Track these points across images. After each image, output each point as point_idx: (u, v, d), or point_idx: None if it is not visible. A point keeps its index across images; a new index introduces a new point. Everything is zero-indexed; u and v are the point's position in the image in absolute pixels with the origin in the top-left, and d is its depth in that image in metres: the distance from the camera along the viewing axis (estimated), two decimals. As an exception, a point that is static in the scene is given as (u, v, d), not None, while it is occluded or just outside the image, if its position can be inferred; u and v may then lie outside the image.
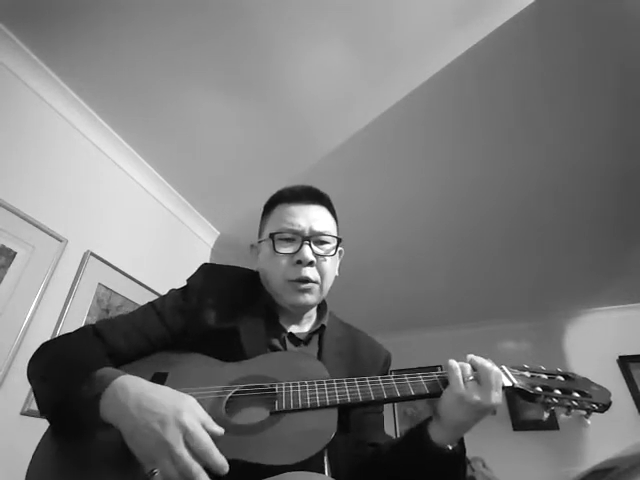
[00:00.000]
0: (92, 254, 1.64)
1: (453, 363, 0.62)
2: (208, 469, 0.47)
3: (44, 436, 0.59)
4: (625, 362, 3.14)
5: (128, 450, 0.50)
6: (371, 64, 1.53)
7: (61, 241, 1.52)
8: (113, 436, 0.52)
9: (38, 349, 0.66)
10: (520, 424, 3.24)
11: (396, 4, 1.34)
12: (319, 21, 1.38)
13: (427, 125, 1.81)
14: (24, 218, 1.40)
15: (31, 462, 0.56)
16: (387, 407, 3.85)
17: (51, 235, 1.49)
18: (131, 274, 1.84)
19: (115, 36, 1.42)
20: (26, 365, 0.64)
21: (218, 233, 2.59)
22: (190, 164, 2.04)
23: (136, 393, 0.52)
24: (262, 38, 1.44)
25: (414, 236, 2.59)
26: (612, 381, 3.02)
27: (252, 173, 2.07)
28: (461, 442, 0.63)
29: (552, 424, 3.11)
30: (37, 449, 0.58)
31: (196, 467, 0.46)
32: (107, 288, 1.70)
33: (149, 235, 2.07)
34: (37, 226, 1.44)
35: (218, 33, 1.41)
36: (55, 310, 1.47)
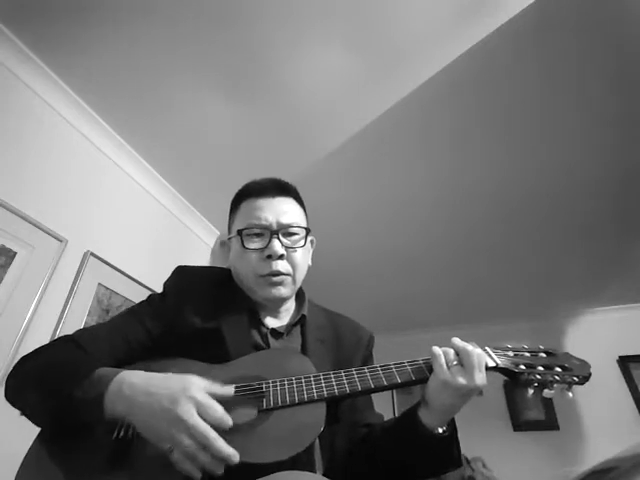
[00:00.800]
0: (92, 254, 1.64)
1: (436, 350, 0.62)
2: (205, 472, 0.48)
3: (34, 445, 0.59)
4: (625, 362, 3.13)
5: (133, 444, 0.51)
6: (370, 65, 1.53)
7: (61, 241, 1.52)
8: (115, 431, 0.53)
9: (19, 362, 0.63)
10: (520, 424, 3.23)
11: (395, 5, 1.34)
12: (319, 23, 1.38)
13: (425, 126, 1.81)
14: (24, 218, 1.40)
15: (22, 470, 0.56)
16: (387, 406, 3.83)
17: (51, 235, 1.49)
18: (131, 274, 1.84)
19: (115, 37, 1.42)
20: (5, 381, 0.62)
21: (218, 233, 2.59)
22: (190, 164, 2.04)
23: (141, 384, 0.53)
24: (262, 39, 1.44)
25: (413, 236, 2.59)
26: (612, 381, 3.02)
27: (252, 173, 2.05)
28: (452, 423, 0.63)
29: (552, 424, 3.11)
30: (27, 457, 0.57)
31: (213, 433, 0.48)
32: (107, 288, 1.70)
33: (149, 235, 2.07)
34: (37, 226, 1.44)
35: (219, 35, 1.41)
36: (55, 310, 1.47)
